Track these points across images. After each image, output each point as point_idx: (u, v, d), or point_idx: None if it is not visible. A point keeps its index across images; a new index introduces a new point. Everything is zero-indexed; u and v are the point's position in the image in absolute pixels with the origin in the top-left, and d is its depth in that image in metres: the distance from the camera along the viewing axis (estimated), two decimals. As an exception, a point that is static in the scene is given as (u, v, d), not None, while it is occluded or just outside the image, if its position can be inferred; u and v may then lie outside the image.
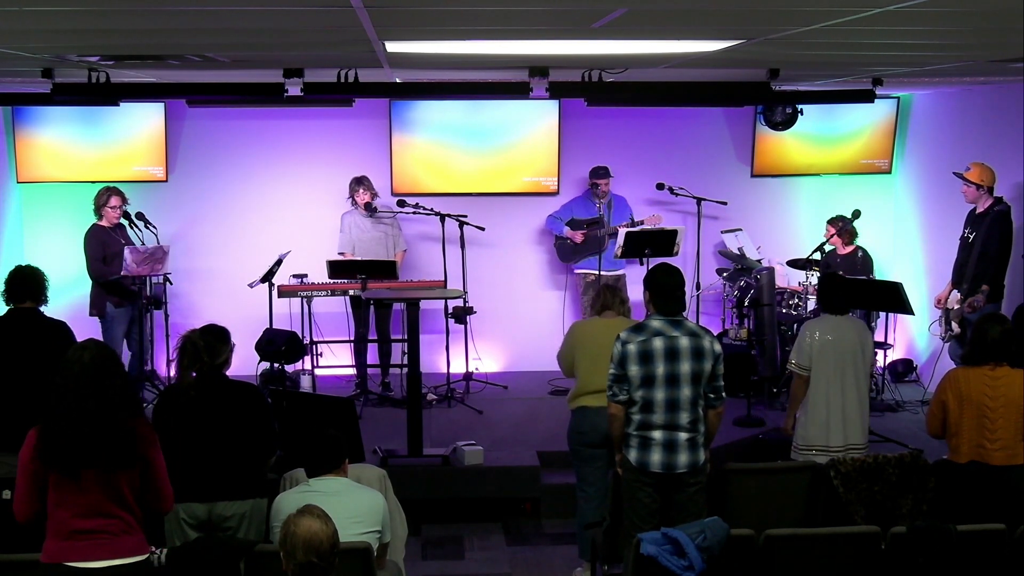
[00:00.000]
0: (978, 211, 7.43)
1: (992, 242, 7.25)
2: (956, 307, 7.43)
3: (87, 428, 3.60)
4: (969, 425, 5.04)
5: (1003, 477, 4.99)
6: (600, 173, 8.78)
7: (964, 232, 7.56)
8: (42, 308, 5.52)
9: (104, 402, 3.62)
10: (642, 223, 8.67)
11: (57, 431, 3.61)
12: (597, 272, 8.53)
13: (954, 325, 7.47)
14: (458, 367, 8.62)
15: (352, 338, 8.55)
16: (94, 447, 3.60)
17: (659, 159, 9.34)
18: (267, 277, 7.97)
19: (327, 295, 8.38)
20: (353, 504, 4.26)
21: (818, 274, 8.08)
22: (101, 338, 7.63)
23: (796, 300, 8.38)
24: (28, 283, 5.42)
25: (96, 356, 3.68)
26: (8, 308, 5.49)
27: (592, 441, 5.60)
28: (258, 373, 8.17)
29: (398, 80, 7.11)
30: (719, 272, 9.20)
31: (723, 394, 4.86)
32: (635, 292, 6.14)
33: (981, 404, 5.02)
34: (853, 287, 7.66)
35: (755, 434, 7.30)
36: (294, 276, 8.47)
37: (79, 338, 7.48)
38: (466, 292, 8.24)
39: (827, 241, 8.51)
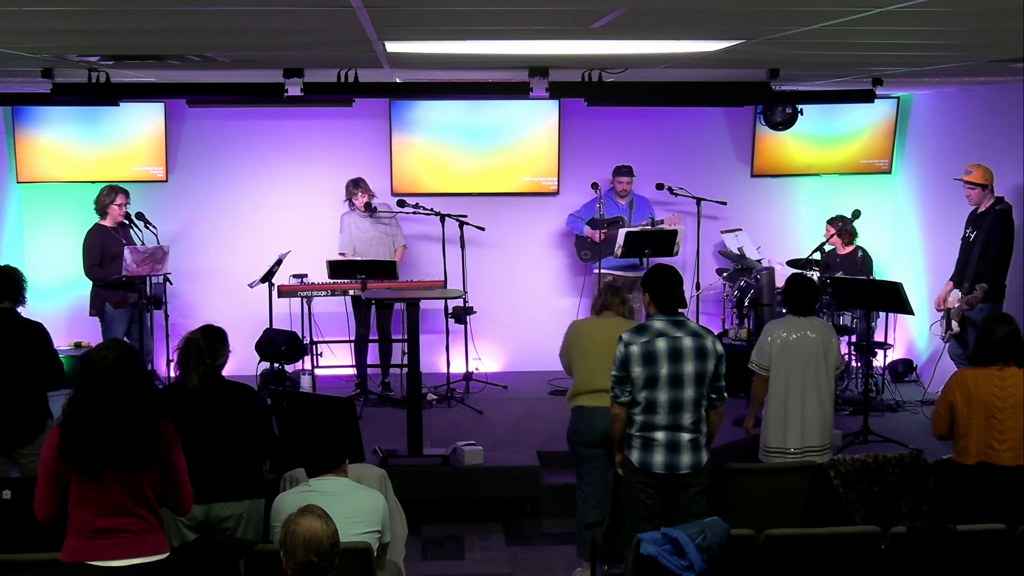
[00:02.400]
0: (980, 210, 7.43)
1: (993, 241, 7.24)
2: (956, 305, 7.43)
3: (110, 428, 3.60)
4: (978, 426, 5.03)
5: (1012, 477, 4.98)
6: (620, 171, 8.79)
7: (965, 232, 7.56)
8: (34, 308, 5.51)
9: (127, 402, 3.62)
10: (662, 223, 8.65)
11: (80, 431, 3.61)
12: (610, 271, 8.52)
13: (954, 324, 7.46)
14: (458, 367, 8.62)
15: (352, 338, 8.55)
16: (116, 447, 3.60)
17: (659, 159, 9.34)
18: (267, 277, 7.97)
19: (327, 295, 8.37)
20: (353, 504, 4.26)
21: (818, 274, 8.09)
22: (101, 338, 7.66)
23: (796, 300, 8.36)
24: (7, 283, 5.41)
25: (120, 356, 3.69)
26: None
27: (589, 441, 5.61)
28: (258, 373, 8.16)
29: (398, 80, 7.11)
30: (719, 272, 9.19)
31: (724, 394, 4.86)
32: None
33: (990, 405, 5.00)
34: (853, 287, 7.68)
35: (755, 434, 7.29)
36: (294, 276, 8.47)
37: (79, 338, 7.49)
38: (466, 292, 8.24)
39: (827, 241, 8.51)
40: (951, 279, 7.63)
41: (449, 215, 8.39)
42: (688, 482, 4.78)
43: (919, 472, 5.10)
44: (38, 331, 5.45)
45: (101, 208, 8.04)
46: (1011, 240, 7.32)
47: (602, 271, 8.78)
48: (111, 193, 8.05)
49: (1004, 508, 4.79)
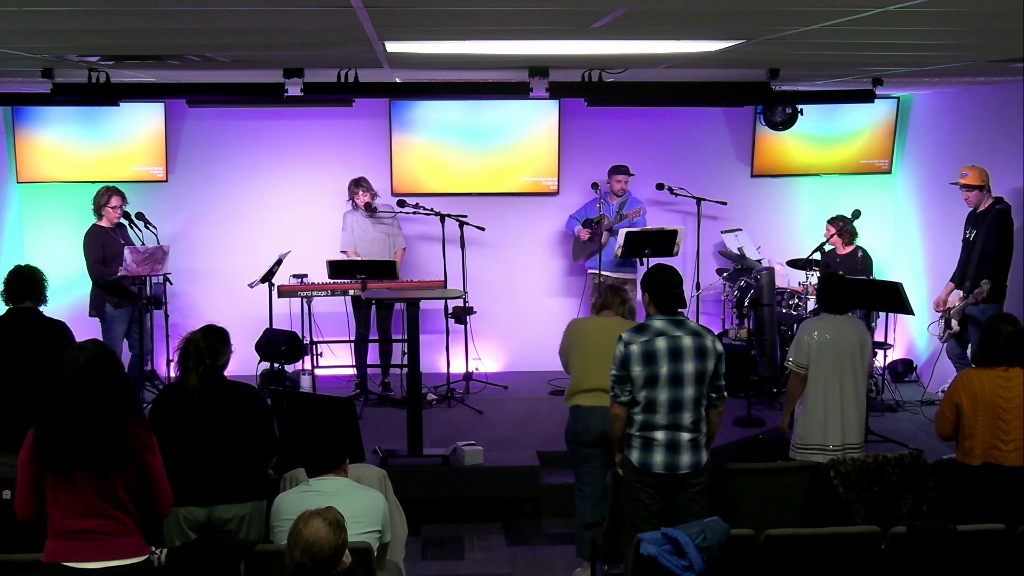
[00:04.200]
0: (979, 211, 7.43)
1: (992, 240, 7.25)
2: (957, 304, 7.43)
3: (79, 428, 3.59)
4: (984, 427, 5.02)
5: (1017, 478, 4.98)
6: (616, 170, 8.79)
7: (965, 233, 7.57)
8: (41, 308, 5.52)
9: (96, 403, 3.60)
10: (628, 216, 8.65)
11: (50, 431, 3.61)
12: (598, 272, 8.53)
13: (953, 323, 7.47)
14: (458, 367, 8.62)
15: (352, 338, 8.55)
16: (85, 448, 3.59)
17: (659, 159, 9.34)
18: (267, 277, 7.97)
19: (327, 295, 8.37)
20: (353, 504, 4.25)
21: (818, 274, 8.09)
22: (101, 339, 7.65)
23: (796, 300, 8.38)
24: (28, 283, 5.43)
25: (92, 357, 3.67)
26: (7, 308, 5.49)
27: (587, 440, 5.61)
28: (258, 373, 8.17)
29: (398, 80, 7.11)
30: (719, 272, 9.20)
31: (724, 394, 4.85)
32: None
33: (995, 406, 5.00)
34: (853, 287, 7.68)
35: (755, 434, 7.30)
36: (294, 276, 8.47)
37: (79, 338, 7.49)
38: (466, 292, 8.24)
39: (827, 241, 8.51)
40: (951, 280, 7.64)
41: (449, 215, 8.39)
42: (688, 482, 4.78)
43: (919, 472, 5.10)
44: (61, 330, 5.46)
45: (97, 209, 8.05)
46: (1011, 239, 7.32)
47: (592, 271, 8.80)
48: (106, 194, 8.05)
49: (1009, 509, 4.78)
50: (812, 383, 5.75)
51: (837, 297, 5.85)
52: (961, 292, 7.45)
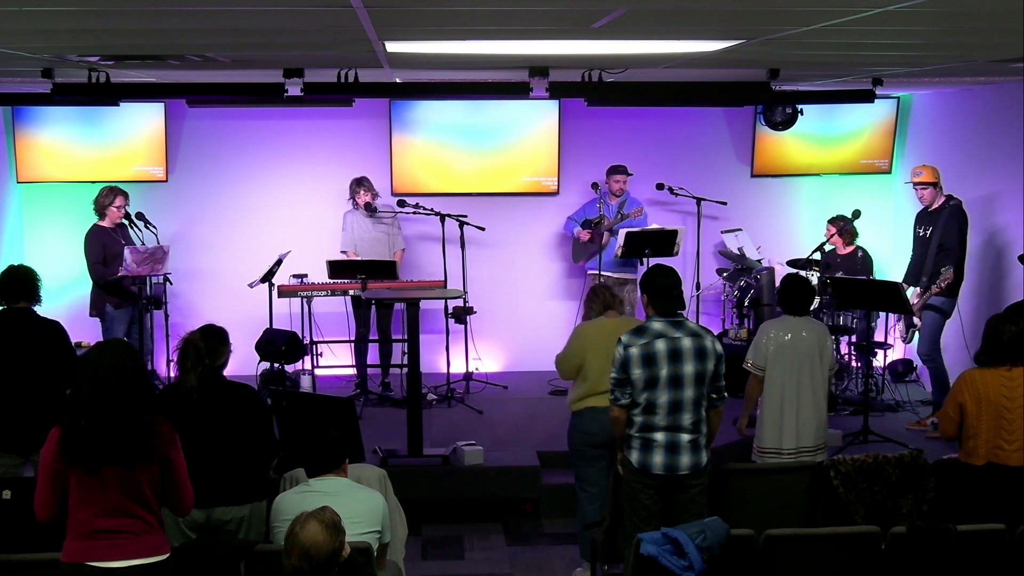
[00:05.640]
0: (932, 208, 7.61)
1: (951, 235, 7.46)
2: (916, 302, 7.50)
3: (106, 424, 3.60)
4: (987, 427, 5.02)
5: (1021, 478, 4.98)
6: (615, 170, 8.78)
7: (918, 230, 7.72)
8: (36, 308, 5.52)
9: (122, 399, 3.62)
10: (629, 215, 8.65)
11: (77, 428, 3.62)
12: (598, 272, 8.52)
13: (915, 320, 7.54)
14: (458, 367, 8.62)
15: (352, 338, 8.55)
16: (114, 443, 3.61)
17: (659, 159, 9.34)
18: (267, 277, 7.97)
19: (327, 295, 8.38)
20: (353, 504, 4.26)
21: (818, 274, 8.09)
22: (101, 339, 7.65)
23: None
24: (23, 283, 5.42)
25: (118, 356, 3.70)
26: (1, 309, 5.49)
27: (599, 442, 5.58)
28: (258, 373, 8.17)
29: (398, 80, 7.11)
30: (719, 272, 9.19)
31: (724, 394, 4.85)
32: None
33: (999, 405, 5.00)
34: (853, 287, 7.68)
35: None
36: (294, 276, 8.47)
37: (79, 338, 7.50)
38: (466, 292, 8.24)
39: (827, 241, 8.51)
40: (904, 280, 7.72)
41: (449, 215, 8.39)
42: (688, 483, 4.78)
43: (919, 472, 5.10)
44: (56, 330, 5.46)
45: (100, 209, 8.03)
46: (966, 233, 7.53)
47: (592, 271, 8.78)
48: (110, 195, 8.05)
49: (1012, 509, 4.77)
50: (769, 385, 5.76)
51: (796, 299, 5.84)
52: (918, 290, 7.53)
